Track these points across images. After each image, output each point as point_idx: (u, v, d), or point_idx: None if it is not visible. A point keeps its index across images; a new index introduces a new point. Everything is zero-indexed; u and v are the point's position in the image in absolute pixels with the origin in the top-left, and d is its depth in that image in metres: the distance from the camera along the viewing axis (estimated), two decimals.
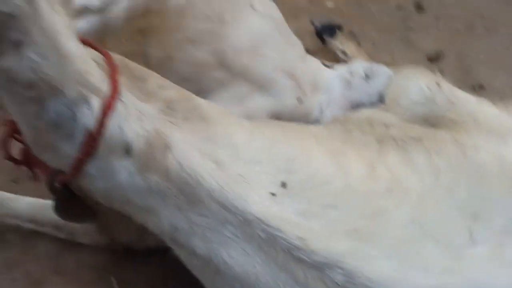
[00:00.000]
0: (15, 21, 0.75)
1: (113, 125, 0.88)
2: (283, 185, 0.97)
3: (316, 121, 1.48)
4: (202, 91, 1.41)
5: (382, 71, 1.41)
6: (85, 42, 0.93)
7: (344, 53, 1.82)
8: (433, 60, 1.95)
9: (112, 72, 0.92)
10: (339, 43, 1.85)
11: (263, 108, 1.46)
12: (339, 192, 0.98)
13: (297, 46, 1.53)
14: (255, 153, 1.00)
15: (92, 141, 0.87)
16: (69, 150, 0.89)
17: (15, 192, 1.38)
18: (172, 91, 1.02)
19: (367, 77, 1.43)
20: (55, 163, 0.94)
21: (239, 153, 0.98)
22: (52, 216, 1.26)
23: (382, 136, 1.15)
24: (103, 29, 1.35)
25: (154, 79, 1.02)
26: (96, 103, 0.86)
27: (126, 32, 1.44)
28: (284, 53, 1.47)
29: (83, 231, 1.29)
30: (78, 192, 0.99)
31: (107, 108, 0.87)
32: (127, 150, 0.90)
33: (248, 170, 0.97)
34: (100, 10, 1.34)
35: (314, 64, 1.55)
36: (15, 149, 0.99)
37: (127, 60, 1.02)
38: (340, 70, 1.50)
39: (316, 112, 1.49)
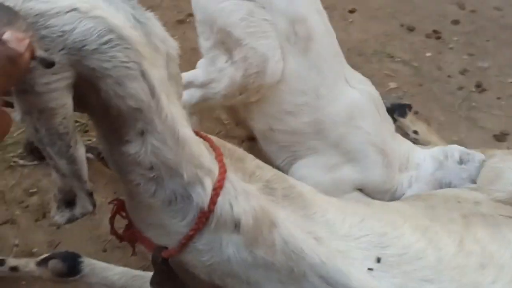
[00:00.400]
0: (141, 114, 0.83)
1: (223, 202, 0.94)
2: (378, 260, 1.00)
3: (400, 196, 1.52)
4: (296, 158, 1.57)
5: (477, 157, 1.44)
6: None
7: (415, 132, 1.88)
8: (500, 139, 1.99)
9: (218, 154, 0.99)
10: (409, 122, 1.91)
11: (350, 179, 1.52)
12: (433, 266, 1.01)
13: (389, 124, 1.59)
14: (349, 229, 1.03)
15: (204, 218, 0.93)
16: (179, 227, 0.95)
17: (104, 261, 1.45)
18: (268, 171, 1.08)
19: (461, 161, 1.46)
20: (161, 239, 0.99)
21: (335, 229, 1.03)
22: (143, 286, 1.33)
23: (469, 212, 1.17)
24: (201, 102, 1.53)
25: (250, 159, 1.08)
26: (208, 183, 0.92)
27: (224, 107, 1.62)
28: (378, 128, 1.52)
29: None
30: (176, 267, 1.03)
31: (218, 188, 0.93)
32: (236, 226, 0.95)
33: (345, 246, 1.01)
34: (203, 85, 1.51)
35: (406, 142, 1.61)
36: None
37: (224, 142, 1.09)
38: (434, 151, 1.54)
39: (403, 187, 1.53)
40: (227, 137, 1.94)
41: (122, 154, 0.87)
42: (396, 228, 1.07)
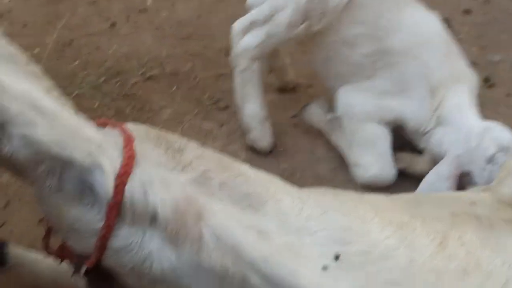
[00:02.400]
0: None
1: (134, 191, 0.82)
2: (337, 257, 0.87)
3: (429, 151, 1.54)
4: (348, 82, 1.62)
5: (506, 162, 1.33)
6: (101, 123, 0.91)
7: None
8: None
9: (127, 141, 0.87)
10: None
11: (394, 110, 1.56)
12: (403, 268, 0.88)
13: (457, 67, 1.58)
14: (305, 221, 0.90)
15: (114, 211, 0.81)
16: (93, 224, 0.82)
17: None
18: (210, 161, 0.94)
19: (490, 160, 1.41)
20: (82, 246, 0.87)
21: (287, 222, 0.89)
22: (74, 282, 1.19)
23: (461, 211, 1.03)
24: (265, 40, 1.59)
25: (191, 150, 0.95)
26: (108, 166, 0.81)
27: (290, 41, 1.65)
28: (439, 66, 1.53)
29: None
30: (108, 275, 0.91)
31: (124, 175, 0.81)
32: (153, 219, 0.82)
33: (297, 241, 0.87)
34: (266, 19, 1.58)
35: (462, 98, 1.55)
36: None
37: (166, 134, 0.97)
38: (479, 131, 1.47)
39: (434, 142, 1.53)
40: (206, 119, 1.78)
41: (2, 159, 0.77)
42: (363, 222, 0.94)
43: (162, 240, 0.83)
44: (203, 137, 1.71)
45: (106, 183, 0.80)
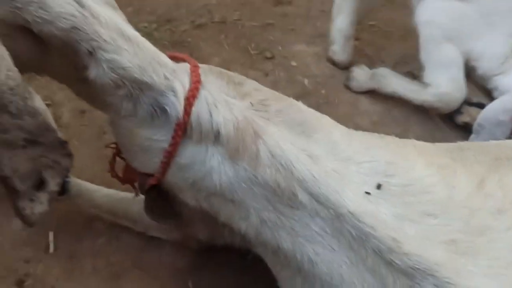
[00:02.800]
0: (80, 31, 0.79)
1: (200, 111, 0.89)
2: (379, 186, 0.91)
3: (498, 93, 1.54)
4: None
5: None
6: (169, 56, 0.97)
7: None
8: None
9: (193, 68, 0.93)
10: None
11: (473, 41, 1.56)
12: (440, 202, 0.92)
13: None
14: (352, 153, 0.95)
15: (180, 130, 0.88)
16: (162, 145, 0.90)
17: (109, 182, 1.41)
18: (268, 93, 1.01)
19: None
20: (148, 166, 0.96)
21: (336, 150, 0.95)
22: (129, 209, 1.30)
23: (505, 156, 1.05)
24: None
25: (251, 84, 1.01)
26: (180, 89, 0.88)
27: None
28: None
29: (158, 226, 1.29)
30: (166, 195, 1.00)
31: (191, 97, 0.88)
32: (216, 136, 0.89)
33: (344, 168, 0.92)
34: None
35: None
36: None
37: (226, 71, 1.03)
38: None
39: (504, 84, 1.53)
40: (252, 68, 1.83)
41: (88, 85, 0.84)
42: (407, 160, 0.98)
43: (223, 156, 0.90)
44: None
45: (177, 105, 0.88)
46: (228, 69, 1.76)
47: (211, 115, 0.89)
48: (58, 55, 0.83)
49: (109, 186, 1.38)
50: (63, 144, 0.80)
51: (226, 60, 1.84)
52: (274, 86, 1.76)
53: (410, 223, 0.89)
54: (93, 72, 0.82)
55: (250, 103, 0.94)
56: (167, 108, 0.88)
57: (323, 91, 1.75)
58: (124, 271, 1.28)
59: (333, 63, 1.82)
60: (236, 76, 1.02)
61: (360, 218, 0.86)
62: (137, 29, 0.90)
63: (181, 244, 1.29)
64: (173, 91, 0.88)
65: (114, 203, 1.34)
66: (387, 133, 1.59)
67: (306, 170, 0.89)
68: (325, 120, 1.03)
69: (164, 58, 0.90)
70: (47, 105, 1.64)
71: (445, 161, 1.02)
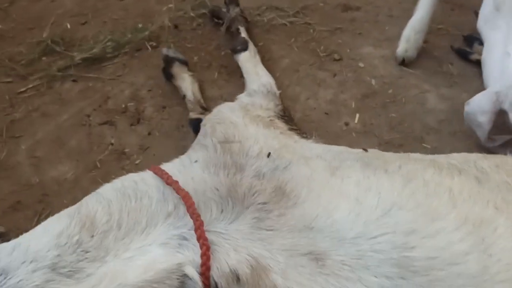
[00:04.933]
0: None
1: (217, 269, 0.95)
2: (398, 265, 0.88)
3: None
4: None
5: None
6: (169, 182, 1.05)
7: None
8: None
9: (198, 228, 0.98)
10: None
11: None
12: (472, 276, 0.84)
13: None
14: (363, 228, 0.92)
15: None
16: None
17: None
18: (269, 184, 1.04)
19: None
20: None
21: (342, 234, 0.93)
22: None
23: None
24: None
25: (252, 165, 1.09)
26: (194, 274, 0.94)
27: None
28: None
29: None
30: None
31: (204, 271, 0.94)
32: (237, 279, 0.93)
33: (355, 251, 0.91)
34: None
35: None
36: None
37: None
38: None
39: None
40: (320, 69, 1.90)
41: None
42: (434, 218, 0.91)
43: None
44: (317, 85, 1.84)
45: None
46: (297, 70, 1.89)
47: (227, 263, 0.94)
48: None
49: None
50: None
51: (295, 61, 1.93)
52: (342, 85, 1.83)
53: None
54: None
55: (251, 222, 0.99)
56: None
57: (390, 91, 1.79)
58: None
59: (402, 61, 1.86)
60: (239, 154, 1.11)
61: None
62: None
63: None
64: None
65: None
66: (453, 132, 1.63)
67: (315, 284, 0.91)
68: (329, 191, 1.00)
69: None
70: (132, 100, 1.82)
71: (485, 214, 0.92)
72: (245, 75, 1.70)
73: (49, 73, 1.96)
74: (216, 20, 2.11)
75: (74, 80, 1.94)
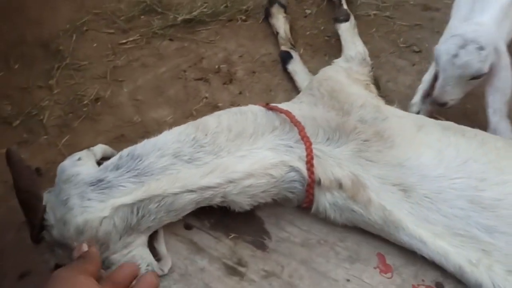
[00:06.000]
0: None
1: (322, 173, 1.18)
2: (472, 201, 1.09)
3: None
4: None
5: None
6: (271, 107, 1.28)
7: None
8: None
9: (301, 131, 1.21)
10: None
11: None
12: None
13: None
14: (444, 170, 1.14)
15: (310, 193, 1.19)
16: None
17: None
18: (370, 128, 1.24)
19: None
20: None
21: (427, 173, 1.15)
22: None
23: None
24: None
25: (357, 111, 1.28)
26: (302, 168, 1.19)
27: None
28: None
29: None
30: None
31: (310, 167, 1.18)
32: (340, 186, 1.16)
33: (436, 188, 1.12)
34: None
35: None
36: None
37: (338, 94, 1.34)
38: None
39: None
40: (400, 58, 2.04)
41: None
42: (501, 173, 1.12)
43: (345, 199, 1.17)
44: (396, 72, 1.98)
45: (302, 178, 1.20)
46: (378, 56, 2.03)
47: (332, 174, 1.18)
48: None
49: None
50: None
51: (377, 48, 2.07)
52: (420, 74, 1.95)
53: (500, 235, 1.04)
54: None
55: (355, 149, 1.20)
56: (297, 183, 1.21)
57: None
58: None
59: None
60: (345, 102, 1.29)
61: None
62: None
63: None
64: (299, 172, 1.19)
65: None
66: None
67: (403, 209, 1.13)
68: (419, 141, 1.22)
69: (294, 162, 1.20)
70: (224, 62, 1.97)
71: None
72: (343, 42, 1.89)
73: (148, 30, 2.13)
74: None
75: (170, 39, 2.11)
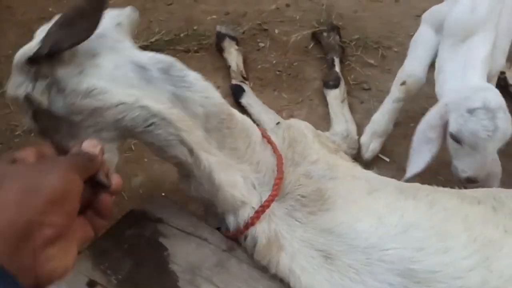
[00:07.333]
0: (183, 165, 1.09)
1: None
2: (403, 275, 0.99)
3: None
4: None
5: None
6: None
7: None
8: None
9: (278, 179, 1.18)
10: None
11: None
12: None
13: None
14: (378, 240, 1.04)
15: (240, 232, 1.15)
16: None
17: None
18: (313, 184, 1.18)
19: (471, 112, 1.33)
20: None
21: (358, 241, 1.05)
22: None
23: None
24: None
25: (306, 166, 1.23)
26: (243, 214, 1.14)
27: None
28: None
29: None
30: None
31: (255, 218, 1.14)
32: (255, 245, 1.12)
33: (365, 261, 1.03)
34: None
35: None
36: None
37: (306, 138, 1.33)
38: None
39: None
40: (349, 95, 2.04)
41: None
42: (445, 238, 1.02)
43: (257, 254, 1.13)
44: None
45: (234, 224, 1.16)
46: None
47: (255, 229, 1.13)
48: None
49: None
50: None
51: None
52: (367, 112, 1.95)
53: None
54: (183, 184, 1.19)
55: (289, 207, 1.15)
56: (225, 220, 1.17)
57: (411, 125, 1.88)
58: None
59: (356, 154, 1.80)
60: (300, 154, 1.26)
61: None
62: None
63: None
64: (235, 213, 1.15)
65: None
66: None
67: (324, 280, 1.04)
68: (362, 205, 1.12)
69: (238, 196, 1.13)
70: None
71: (495, 235, 1.01)
72: (331, 112, 1.87)
73: None
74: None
75: None
